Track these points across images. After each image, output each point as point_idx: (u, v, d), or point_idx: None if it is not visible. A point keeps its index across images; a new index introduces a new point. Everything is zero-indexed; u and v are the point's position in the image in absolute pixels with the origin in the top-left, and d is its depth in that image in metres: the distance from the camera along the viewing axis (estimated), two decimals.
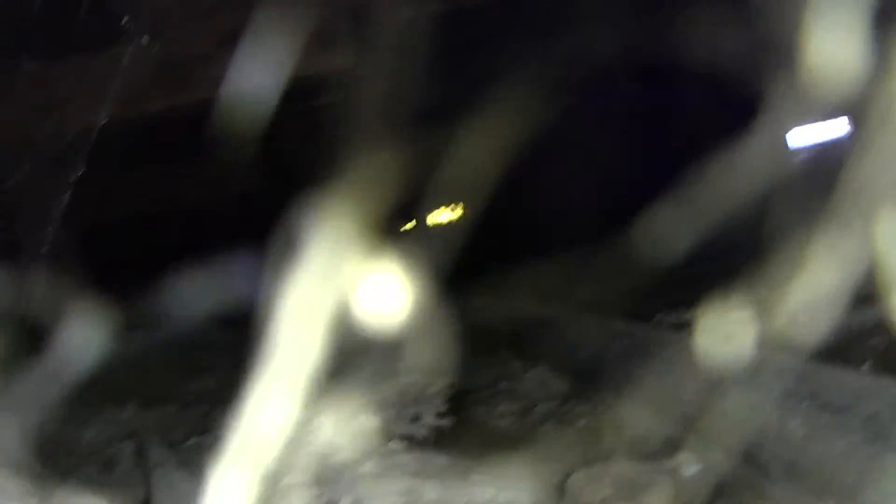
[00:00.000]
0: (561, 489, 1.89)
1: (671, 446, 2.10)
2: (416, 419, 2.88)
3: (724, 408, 1.90)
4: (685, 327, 4.01)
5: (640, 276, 5.97)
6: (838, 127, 7.84)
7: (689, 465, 1.97)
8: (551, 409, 2.90)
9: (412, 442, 2.53)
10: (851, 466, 1.46)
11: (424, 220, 5.73)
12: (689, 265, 5.94)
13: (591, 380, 3.01)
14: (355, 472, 2.13)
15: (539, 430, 2.65)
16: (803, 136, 7.93)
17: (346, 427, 2.41)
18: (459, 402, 3.43)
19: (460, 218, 5.98)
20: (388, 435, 2.58)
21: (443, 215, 6.50)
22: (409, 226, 7.16)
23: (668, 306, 4.61)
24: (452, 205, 6.34)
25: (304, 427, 1.95)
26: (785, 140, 7.74)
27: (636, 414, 2.51)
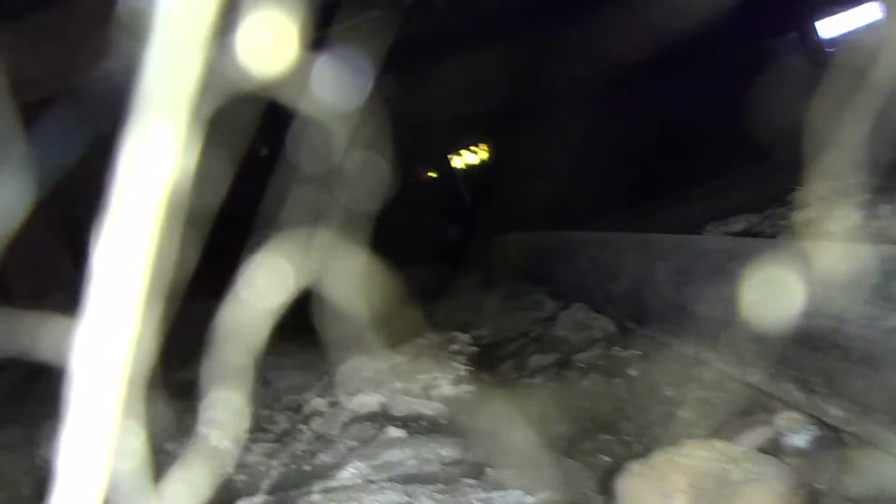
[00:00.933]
0: (610, 489, 1.29)
1: (764, 404, 1.47)
2: (427, 391, 2.30)
3: (842, 337, 1.27)
4: (747, 235, 3.34)
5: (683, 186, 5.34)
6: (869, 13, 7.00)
7: (796, 431, 1.35)
8: (593, 359, 2.30)
9: (416, 426, 1.94)
10: None
11: None
12: (734, 170, 5.28)
13: (640, 314, 2.38)
14: (326, 481, 1.56)
15: (580, 390, 2.05)
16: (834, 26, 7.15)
17: None
18: (483, 360, 2.86)
19: None
20: (384, 420, 2.02)
21: None
22: None
23: (719, 214, 3.93)
24: None
25: None
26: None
27: (702, 356, 1.88)
